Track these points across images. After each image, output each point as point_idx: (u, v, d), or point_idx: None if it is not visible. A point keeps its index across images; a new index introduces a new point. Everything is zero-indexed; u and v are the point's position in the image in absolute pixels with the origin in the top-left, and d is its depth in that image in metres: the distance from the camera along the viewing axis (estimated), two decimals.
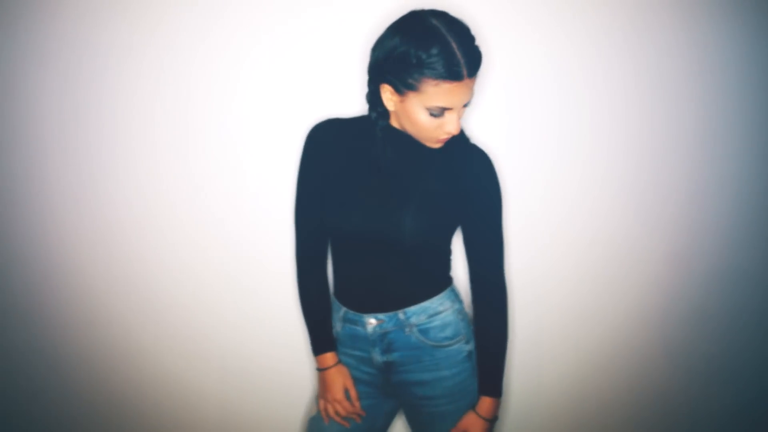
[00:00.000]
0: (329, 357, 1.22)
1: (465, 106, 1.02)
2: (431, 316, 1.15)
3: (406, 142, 1.10)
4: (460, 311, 1.20)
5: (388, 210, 1.08)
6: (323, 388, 1.23)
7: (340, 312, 1.22)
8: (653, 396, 1.76)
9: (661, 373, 1.74)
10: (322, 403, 1.23)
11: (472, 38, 0.99)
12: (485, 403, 1.16)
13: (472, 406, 1.17)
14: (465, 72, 0.96)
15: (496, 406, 1.16)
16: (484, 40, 1.09)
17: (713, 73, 1.57)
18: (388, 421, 1.30)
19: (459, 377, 1.16)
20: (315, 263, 1.25)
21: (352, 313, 1.19)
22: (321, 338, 1.23)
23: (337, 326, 1.23)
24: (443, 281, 1.20)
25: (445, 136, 1.04)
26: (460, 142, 1.11)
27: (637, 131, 1.59)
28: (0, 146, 1.62)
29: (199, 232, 1.65)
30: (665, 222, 1.65)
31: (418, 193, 1.09)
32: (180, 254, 1.67)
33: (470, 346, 1.18)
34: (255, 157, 1.61)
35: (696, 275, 1.68)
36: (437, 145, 1.07)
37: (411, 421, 1.27)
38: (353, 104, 1.55)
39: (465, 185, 1.10)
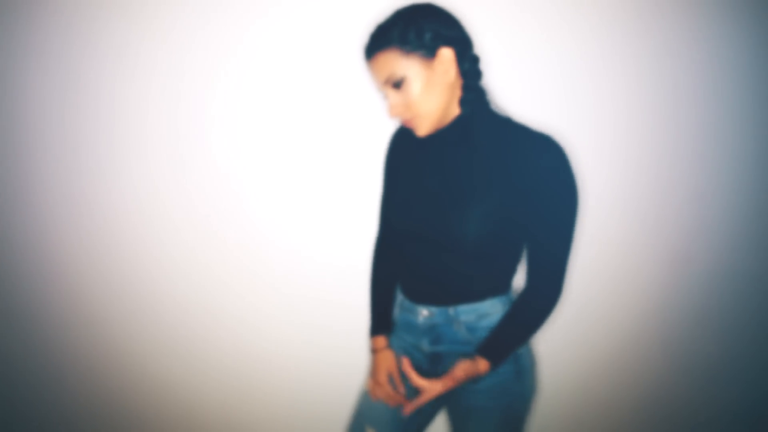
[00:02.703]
0: (380, 340, 1.28)
1: (396, 87, 1.03)
2: (480, 316, 1.15)
3: (459, 140, 1.09)
4: None
5: (443, 212, 1.08)
6: (372, 369, 1.29)
7: (399, 299, 1.28)
8: (653, 395, 1.76)
9: (661, 373, 1.75)
10: (370, 382, 1.29)
11: (384, 22, 1.04)
12: (482, 365, 1.09)
13: (510, 405, 1.16)
14: (365, 54, 1.06)
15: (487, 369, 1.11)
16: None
17: (713, 74, 1.56)
18: (436, 408, 1.31)
19: (501, 377, 1.15)
20: (387, 254, 1.32)
21: (407, 302, 1.23)
22: (376, 322, 1.30)
23: (396, 312, 1.29)
24: (500, 286, 1.16)
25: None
26: (523, 135, 1.04)
27: (637, 131, 1.59)
28: (3, 146, 1.63)
29: (198, 234, 1.65)
30: (664, 222, 1.65)
31: (476, 194, 1.05)
32: (179, 256, 1.67)
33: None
34: (253, 159, 1.61)
35: (696, 275, 1.69)
36: (416, 132, 1.09)
37: (451, 412, 1.27)
38: (353, 104, 1.55)
39: (525, 182, 1.01)
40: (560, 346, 1.70)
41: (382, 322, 1.30)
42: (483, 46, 1.16)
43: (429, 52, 1.01)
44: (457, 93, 1.07)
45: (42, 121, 1.60)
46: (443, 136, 1.10)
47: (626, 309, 1.71)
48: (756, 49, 1.55)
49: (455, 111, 1.08)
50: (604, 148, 1.59)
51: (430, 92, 1.03)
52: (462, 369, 1.07)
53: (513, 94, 1.50)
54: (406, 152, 1.21)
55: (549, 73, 1.53)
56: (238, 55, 1.53)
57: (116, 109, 1.58)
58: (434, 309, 1.17)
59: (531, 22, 1.49)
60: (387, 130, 1.36)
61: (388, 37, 1.01)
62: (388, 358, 1.27)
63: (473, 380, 1.10)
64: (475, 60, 1.07)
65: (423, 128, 1.07)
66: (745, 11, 1.53)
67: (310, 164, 1.61)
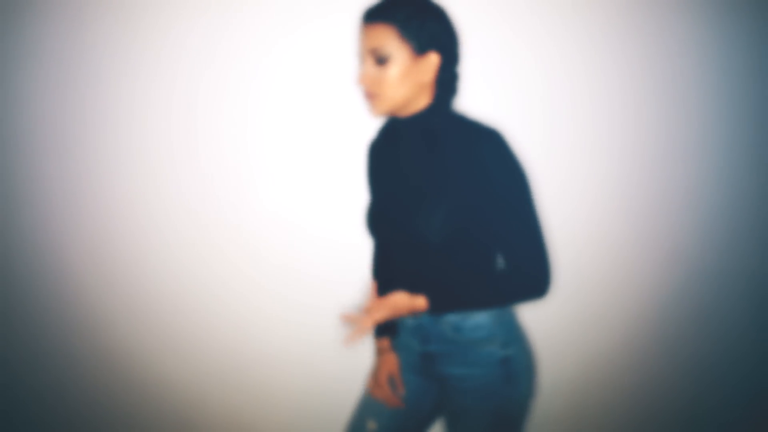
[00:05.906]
0: (383, 342, 1.31)
1: (379, 62, 1.04)
2: (465, 316, 1.14)
3: (412, 135, 1.11)
4: (499, 314, 1.15)
5: (408, 212, 1.09)
6: (374, 370, 1.31)
7: None
8: (651, 395, 1.76)
9: (658, 373, 1.75)
10: (371, 382, 1.31)
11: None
12: (421, 300, 1.08)
13: (500, 407, 1.16)
14: (365, 16, 1.06)
15: (419, 310, 1.10)
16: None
17: (713, 73, 1.58)
18: (436, 408, 1.30)
19: (488, 378, 1.15)
20: (382, 257, 1.34)
21: None
22: (381, 324, 1.28)
23: None
24: None
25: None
26: (470, 130, 1.07)
27: (636, 130, 1.60)
28: (3, 146, 1.63)
29: (200, 233, 1.66)
30: (661, 222, 1.66)
31: (434, 190, 1.07)
32: (181, 255, 1.68)
33: (507, 351, 1.14)
34: (254, 159, 1.62)
35: (692, 275, 1.69)
36: (371, 110, 1.09)
37: (444, 412, 1.27)
38: (351, 103, 1.55)
39: (473, 175, 1.04)
40: (556, 346, 1.71)
41: (386, 324, 1.30)
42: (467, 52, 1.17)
43: (421, 48, 1.04)
44: (425, 96, 1.09)
45: (46, 120, 1.61)
46: (405, 132, 1.12)
47: (623, 309, 1.71)
48: (751, 49, 1.57)
49: (418, 107, 1.10)
50: (600, 148, 1.60)
51: (403, 82, 1.05)
52: (398, 298, 1.07)
53: (505, 95, 1.53)
54: (377, 158, 1.25)
55: (544, 69, 1.54)
56: (246, 53, 1.55)
57: (119, 107, 1.59)
58: None
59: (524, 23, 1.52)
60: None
61: (395, 13, 1.03)
62: (390, 360, 1.29)
63: (414, 313, 1.09)
64: (454, 76, 1.10)
65: (379, 109, 1.09)
66: (738, 12, 1.55)
67: (315, 163, 1.62)
